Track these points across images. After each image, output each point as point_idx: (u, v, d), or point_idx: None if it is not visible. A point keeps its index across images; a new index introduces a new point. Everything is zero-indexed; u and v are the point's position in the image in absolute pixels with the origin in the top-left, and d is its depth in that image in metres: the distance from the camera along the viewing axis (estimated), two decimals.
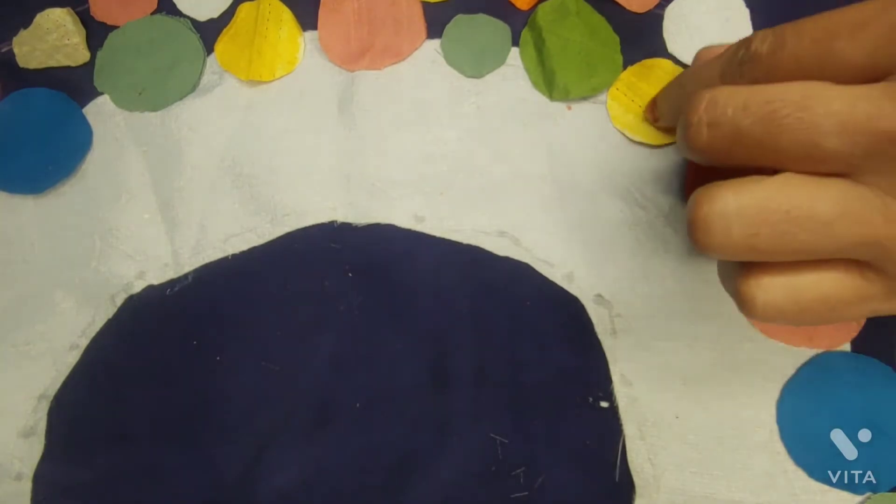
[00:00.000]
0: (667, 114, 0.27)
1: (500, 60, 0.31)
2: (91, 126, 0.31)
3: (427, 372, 0.29)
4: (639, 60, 0.30)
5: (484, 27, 0.31)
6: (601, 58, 0.30)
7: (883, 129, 0.16)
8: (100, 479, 0.28)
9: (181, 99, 0.31)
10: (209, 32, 0.31)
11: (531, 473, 0.28)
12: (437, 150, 0.30)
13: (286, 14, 0.31)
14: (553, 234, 0.29)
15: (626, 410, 0.28)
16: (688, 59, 0.30)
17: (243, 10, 0.31)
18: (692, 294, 0.28)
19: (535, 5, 0.31)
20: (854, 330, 0.27)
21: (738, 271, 0.19)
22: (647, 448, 0.28)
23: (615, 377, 0.28)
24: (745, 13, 0.30)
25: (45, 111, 0.31)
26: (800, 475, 0.27)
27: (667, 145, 0.29)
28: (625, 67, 0.30)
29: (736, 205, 0.18)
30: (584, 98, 0.30)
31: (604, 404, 0.28)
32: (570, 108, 0.30)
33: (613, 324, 0.29)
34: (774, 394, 0.27)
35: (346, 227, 0.30)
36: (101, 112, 0.31)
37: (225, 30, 0.31)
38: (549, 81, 0.30)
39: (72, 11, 0.31)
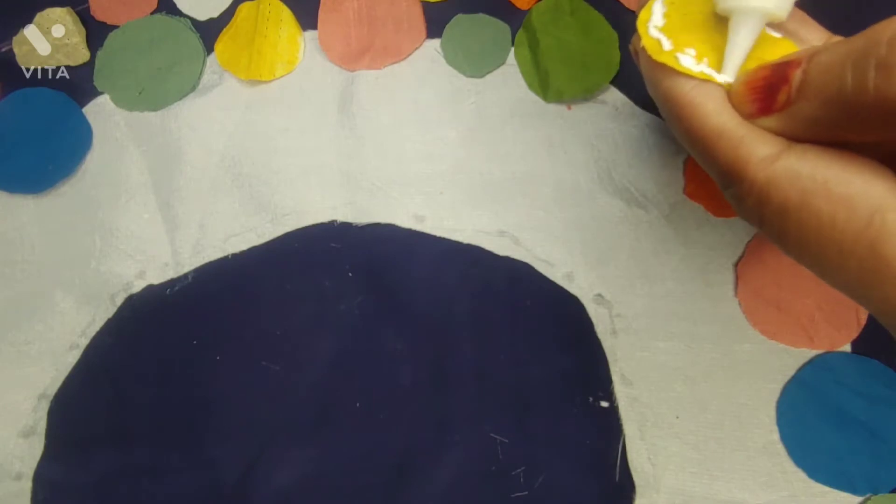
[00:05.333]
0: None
1: (500, 60, 0.31)
2: (91, 126, 0.31)
3: (427, 372, 0.29)
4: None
5: (484, 27, 0.31)
6: (597, 57, 0.30)
7: None
8: (100, 478, 0.28)
9: (181, 98, 0.31)
10: (209, 32, 0.31)
11: (531, 473, 0.28)
12: (437, 149, 0.30)
13: (286, 14, 0.31)
14: (553, 234, 0.29)
15: (626, 410, 0.28)
16: None
17: (243, 9, 0.31)
18: (692, 294, 0.28)
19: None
20: (854, 331, 0.27)
21: None
22: (647, 448, 0.28)
23: (615, 377, 0.28)
24: None
25: (45, 111, 0.31)
26: (800, 475, 0.27)
27: None
28: (621, 66, 0.30)
29: None
30: (584, 98, 0.30)
31: (604, 404, 0.28)
32: (570, 108, 0.30)
33: (613, 324, 0.29)
34: (774, 394, 0.27)
35: (346, 227, 0.30)
36: (101, 112, 0.31)
37: (225, 29, 0.31)
38: (543, 83, 0.30)
39: (72, 11, 0.31)
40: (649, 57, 0.19)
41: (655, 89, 0.19)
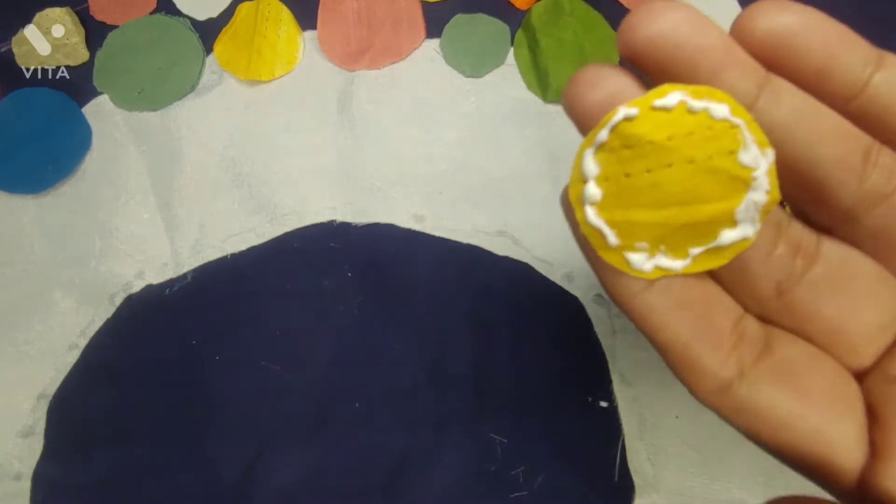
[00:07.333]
0: None
1: (499, 60, 0.31)
2: (90, 126, 0.31)
3: (426, 372, 0.29)
4: None
5: (483, 27, 0.31)
6: (596, 57, 0.30)
7: None
8: (99, 479, 0.28)
9: (180, 98, 0.31)
10: (208, 32, 0.31)
11: (531, 473, 0.28)
12: (437, 149, 0.30)
13: (286, 14, 0.31)
14: (553, 233, 0.29)
15: (625, 410, 0.28)
16: None
17: (243, 9, 0.31)
18: None
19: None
20: None
21: None
22: (646, 448, 0.28)
23: (615, 377, 0.28)
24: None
25: (45, 111, 0.31)
26: (799, 475, 0.27)
27: None
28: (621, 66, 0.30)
29: None
30: None
31: (604, 404, 0.28)
32: None
33: (613, 323, 0.29)
34: None
35: (345, 227, 0.30)
36: (100, 112, 0.31)
37: (224, 29, 0.31)
38: (542, 83, 0.30)
39: (71, 11, 0.31)
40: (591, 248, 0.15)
41: (596, 277, 0.16)
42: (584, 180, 0.14)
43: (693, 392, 0.15)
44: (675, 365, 0.15)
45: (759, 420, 0.14)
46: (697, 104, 0.13)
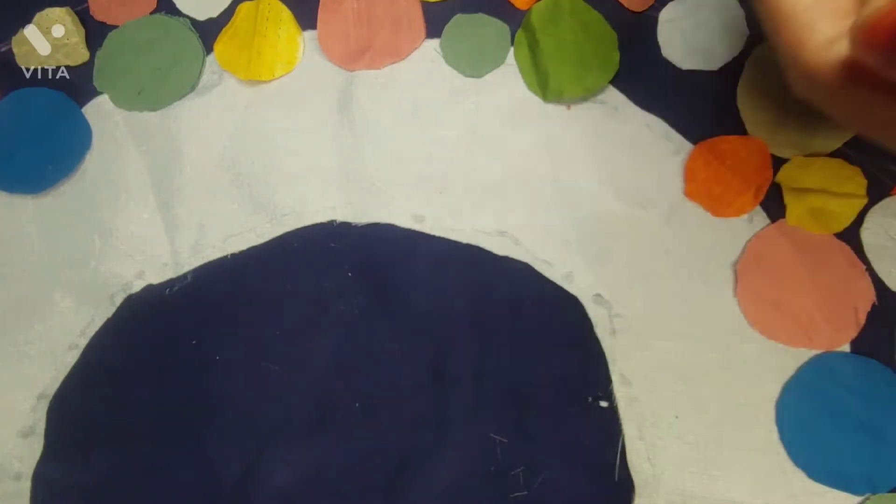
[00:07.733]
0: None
1: (499, 60, 0.31)
2: (90, 126, 0.31)
3: (426, 372, 0.29)
4: (634, 60, 0.30)
5: (483, 27, 0.31)
6: (596, 57, 0.30)
7: None
8: (99, 478, 0.29)
9: (180, 98, 0.31)
10: (208, 32, 0.31)
11: (531, 473, 0.28)
12: (437, 149, 0.30)
13: (285, 14, 0.31)
14: (553, 234, 0.29)
15: (625, 410, 0.28)
16: (681, 62, 0.30)
17: (243, 9, 0.31)
18: (692, 294, 0.28)
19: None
20: (854, 331, 0.27)
21: None
22: (646, 448, 0.28)
23: (615, 377, 0.28)
24: (741, 14, 0.30)
25: (45, 111, 0.31)
26: (799, 475, 0.27)
27: None
28: (621, 66, 0.30)
29: None
30: (583, 98, 0.30)
31: (603, 404, 0.28)
32: (569, 108, 0.30)
33: (613, 324, 0.29)
34: (774, 394, 0.27)
35: (345, 227, 0.30)
36: (100, 112, 0.31)
37: (224, 29, 0.31)
38: (542, 83, 0.30)
39: (71, 11, 0.31)
40: None
41: None
42: None
43: (800, 51, 0.16)
44: (790, 29, 0.17)
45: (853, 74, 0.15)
46: None
